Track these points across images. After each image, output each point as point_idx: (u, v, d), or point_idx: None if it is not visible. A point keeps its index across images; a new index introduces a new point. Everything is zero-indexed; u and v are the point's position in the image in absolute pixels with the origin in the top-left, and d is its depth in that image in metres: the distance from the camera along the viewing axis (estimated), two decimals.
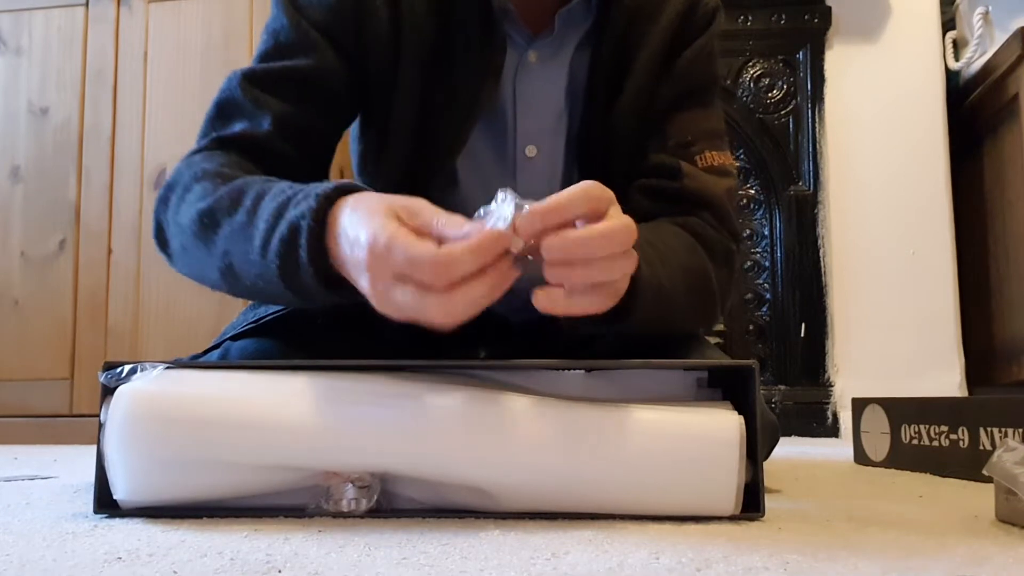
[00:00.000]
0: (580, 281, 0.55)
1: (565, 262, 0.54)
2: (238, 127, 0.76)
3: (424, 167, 0.82)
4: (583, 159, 0.85)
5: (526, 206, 0.54)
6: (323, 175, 0.83)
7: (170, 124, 2.04)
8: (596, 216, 0.55)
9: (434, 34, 0.80)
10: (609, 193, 0.56)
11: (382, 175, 0.84)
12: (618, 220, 0.55)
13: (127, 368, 0.58)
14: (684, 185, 0.81)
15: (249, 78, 0.78)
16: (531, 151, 0.85)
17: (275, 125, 0.76)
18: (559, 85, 0.84)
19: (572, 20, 0.83)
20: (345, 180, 0.64)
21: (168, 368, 0.59)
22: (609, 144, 0.84)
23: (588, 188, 0.55)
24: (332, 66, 0.79)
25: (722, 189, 0.82)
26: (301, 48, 0.78)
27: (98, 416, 0.58)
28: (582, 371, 0.62)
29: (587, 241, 0.54)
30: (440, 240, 0.54)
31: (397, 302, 0.54)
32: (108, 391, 0.58)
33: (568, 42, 0.84)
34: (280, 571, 0.42)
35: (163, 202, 0.74)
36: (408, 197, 0.58)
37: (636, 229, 0.56)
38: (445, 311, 0.53)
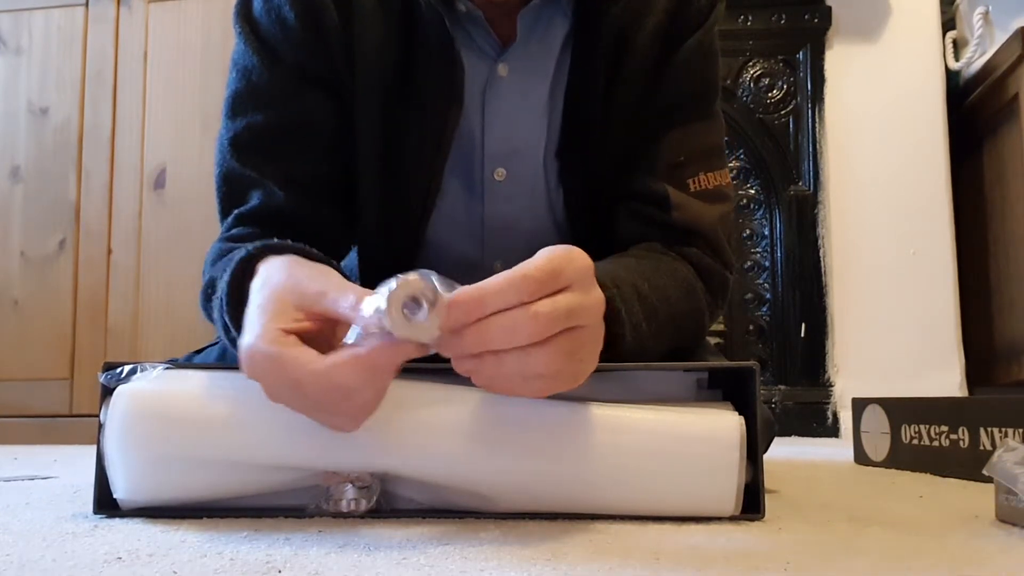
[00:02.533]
0: (492, 375, 0.50)
1: (468, 356, 0.50)
2: (254, 200, 0.74)
3: (397, 216, 0.79)
4: (567, 179, 0.81)
5: (441, 291, 0.48)
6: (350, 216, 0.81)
7: (170, 124, 2.05)
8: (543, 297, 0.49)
9: (392, 60, 0.75)
10: (564, 272, 0.50)
11: (360, 224, 0.81)
12: (537, 308, 0.48)
13: (127, 369, 0.58)
14: (674, 217, 0.76)
15: (239, 147, 0.75)
16: (500, 174, 0.80)
17: (285, 189, 0.73)
18: (535, 100, 0.79)
19: (541, 24, 0.77)
20: (268, 243, 0.62)
21: (168, 369, 0.58)
22: (598, 162, 0.79)
23: (527, 272, 0.49)
24: (318, 106, 0.75)
25: (715, 217, 0.78)
26: (279, 94, 0.75)
27: (98, 416, 0.58)
28: None
29: (482, 332, 0.48)
30: (332, 326, 0.52)
31: (287, 404, 0.52)
32: (108, 391, 0.58)
33: (546, 51, 0.78)
34: (280, 571, 0.42)
35: (203, 299, 0.72)
36: (314, 269, 0.55)
37: (570, 316, 0.50)
38: (338, 424, 0.52)
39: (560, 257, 0.51)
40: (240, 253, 0.61)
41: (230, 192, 0.76)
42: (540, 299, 0.49)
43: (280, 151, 0.75)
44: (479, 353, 0.49)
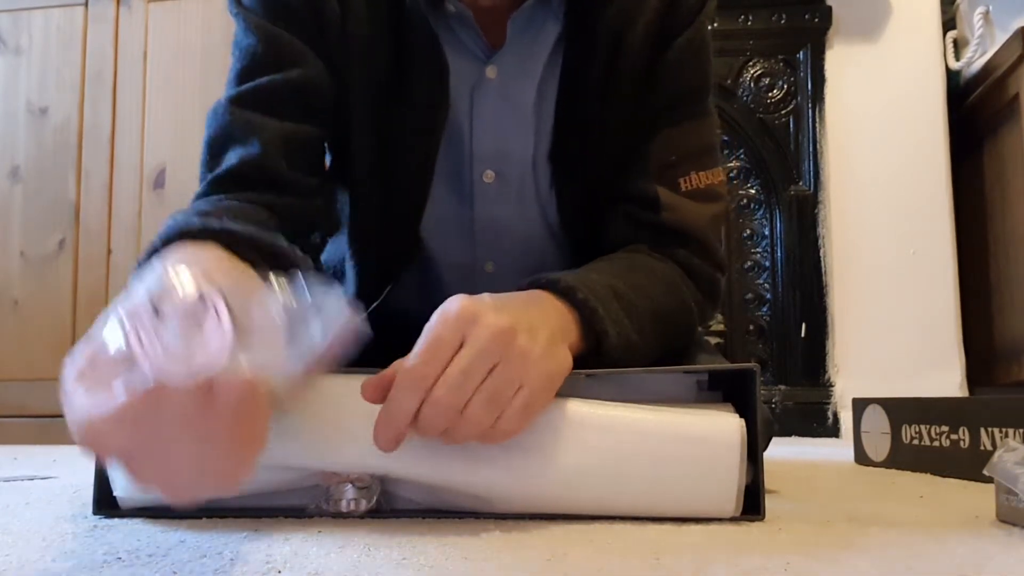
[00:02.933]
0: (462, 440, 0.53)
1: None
2: (232, 158, 0.69)
3: (393, 215, 0.79)
4: (560, 182, 0.80)
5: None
6: (330, 192, 0.81)
7: (169, 124, 2.05)
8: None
9: (384, 58, 0.75)
10: (446, 339, 0.52)
11: (356, 225, 0.81)
12: (435, 395, 0.51)
13: None
14: (664, 219, 0.76)
15: (236, 101, 0.72)
16: (488, 176, 0.80)
17: (271, 145, 0.70)
18: (523, 102, 0.78)
19: (532, 27, 0.76)
20: (187, 227, 0.56)
21: None
22: (592, 165, 0.79)
23: (411, 368, 0.51)
24: (320, 74, 0.74)
25: (706, 218, 0.77)
26: (283, 60, 0.72)
27: None
28: (582, 374, 0.62)
29: (421, 430, 0.52)
30: None
31: None
32: None
33: (536, 54, 0.77)
34: (280, 571, 0.42)
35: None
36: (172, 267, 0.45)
37: (471, 371, 0.51)
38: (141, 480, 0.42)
39: (435, 329, 0.53)
40: (154, 240, 0.56)
41: (210, 154, 0.72)
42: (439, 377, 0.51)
43: (278, 108, 0.72)
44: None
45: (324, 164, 0.79)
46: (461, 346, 0.52)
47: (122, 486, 0.57)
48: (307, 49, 0.73)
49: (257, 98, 0.72)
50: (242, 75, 0.73)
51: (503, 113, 0.78)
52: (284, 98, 0.72)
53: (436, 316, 0.53)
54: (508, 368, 0.52)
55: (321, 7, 0.74)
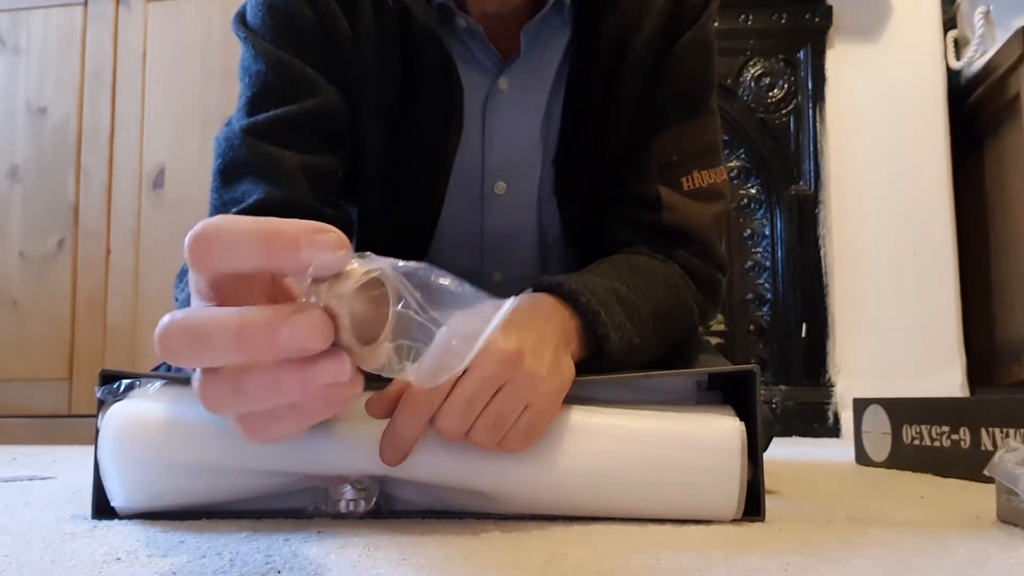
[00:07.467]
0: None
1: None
2: (254, 192, 0.68)
3: (403, 234, 0.79)
4: (563, 189, 0.80)
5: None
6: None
7: (169, 124, 2.05)
8: None
9: (392, 81, 0.74)
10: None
11: (365, 241, 0.80)
12: (439, 427, 0.52)
13: (124, 384, 0.57)
14: (664, 219, 0.75)
15: (252, 132, 0.70)
16: (500, 188, 0.79)
17: (296, 180, 0.69)
18: (534, 113, 0.78)
19: (543, 36, 0.76)
20: None
21: (166, 385, 0.57)
22: (595, 170, 0.78)
23: (412, 397, 0.51)
24: (335, 100, 0.72)
25: (707, 218, 0.77)
26: (296, 90, 0.71)
27: (96, 416, 0.57)
28: (585, 380, 0.62)
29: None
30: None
31: None
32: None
33: (546, 64, 0.77)
34: (279, 572, 0.42)
35: (178, 279, 0.69)
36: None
37: (472, 402, 0.51)
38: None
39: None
40: None
41: (226, 183, 0.70)
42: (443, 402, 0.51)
43: (299, 139, 0.71)
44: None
45: (340, 193, 0.77)
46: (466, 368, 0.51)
47: (120, 497, 0.56)
48: (319, 76, 0.72)
49: (274, 130, 0.70)
50: (254, 103, 0.72)
51: (515, 124, 0.78)
52: (302, 130, 0.71)
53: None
54: (514, 390, 0.52)
55: (332, 28, 0.72)
